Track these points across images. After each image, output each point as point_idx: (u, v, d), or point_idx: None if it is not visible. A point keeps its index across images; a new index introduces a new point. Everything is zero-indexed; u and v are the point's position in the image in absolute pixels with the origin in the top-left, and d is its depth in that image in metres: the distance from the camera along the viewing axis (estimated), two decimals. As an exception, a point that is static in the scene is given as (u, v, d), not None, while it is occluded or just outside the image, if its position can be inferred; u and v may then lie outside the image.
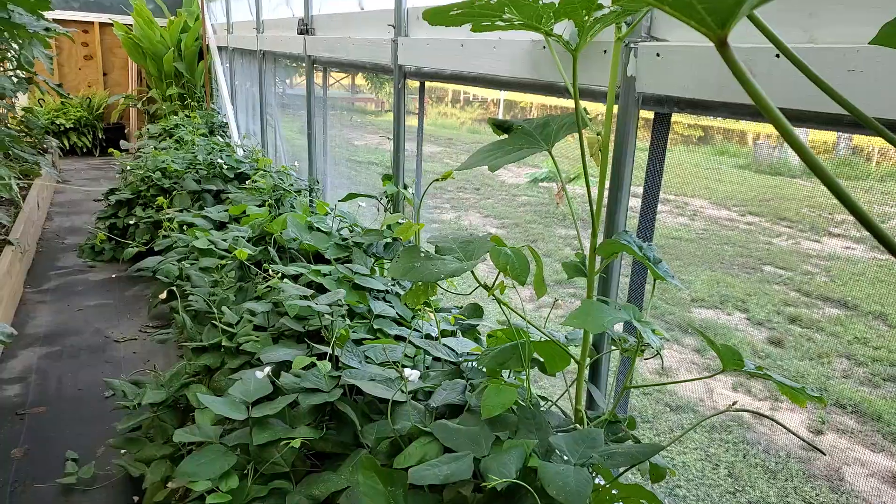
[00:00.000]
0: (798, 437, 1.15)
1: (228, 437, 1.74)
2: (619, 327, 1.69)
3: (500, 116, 1.75)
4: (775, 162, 7.88)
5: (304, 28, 3.91)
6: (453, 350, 1.93)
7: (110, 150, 5.50)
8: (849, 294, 4.53)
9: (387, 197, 2.70)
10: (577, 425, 1.51)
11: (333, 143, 4.43)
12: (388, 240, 2.68)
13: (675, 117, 1.55)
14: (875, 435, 2.95)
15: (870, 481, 2.66)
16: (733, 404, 1.24)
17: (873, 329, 4.00)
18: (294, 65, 5.24)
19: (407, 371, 1.58)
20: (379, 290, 2.44)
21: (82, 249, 4.55)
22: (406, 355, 1.97)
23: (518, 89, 2.03)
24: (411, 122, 2.89)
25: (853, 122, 1.10)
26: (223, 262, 2.76)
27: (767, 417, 1.18)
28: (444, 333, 2.13)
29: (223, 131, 6.31)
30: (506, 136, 1.44)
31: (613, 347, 1.61)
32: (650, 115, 1.58)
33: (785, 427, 1.16)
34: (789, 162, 7.76)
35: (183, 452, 2.00)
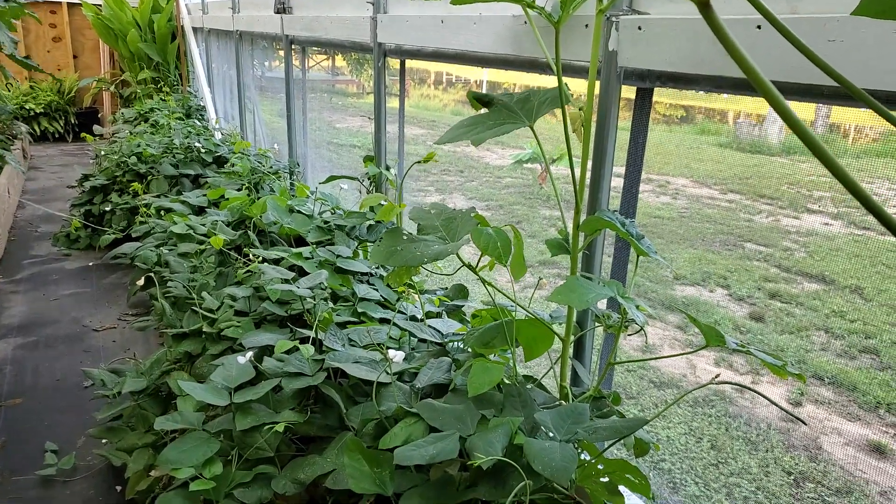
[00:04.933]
0: (780, 407, 1.16)
1: (211, 424, 1.72)
2: (602, 304, 1.69)
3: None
4: (755, 140, 7.94)
5: (282, 6, 3.83)
6: (438, 331, 1.92)
7: (83, 135, 5.38)
8: (826, 269, 4.60)
9: (369, 178, 2.67)
10: (562, 402, 1.51)
11: (314, 125, 4.37)
12: (371, 222, 2.65)
13: (656, 96, 1.54)
14: (851, 405, 3.01)
15: (846, 450, 2.72)
16: (716, 377, 1.24)
17: (850, 302, 4.07)
18: (272, 46, 5.15)
19: (391, 352, 1.57)
20: (363, 273, 2.42)
21: (57, 238, 4.46)
22: (391, 337, 1.96)
23: (499, 66, 2.01)
24: (393, 103, 2.85)
25: (832, 92, 1.10)
26: (202, 247, 2.72)
27: (750, 389, 1.19)
28: (429, 315, 2.12)
29: (200, 115, 6.21)
30: (486, 110, 1.41)
31: (597, 324, 1.61)
32: (632, 94, 1.57)
33: (767, 398, 1.17)
34: (769, 140, 7.82)
35: (166, 440, 1.98)
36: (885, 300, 4.07)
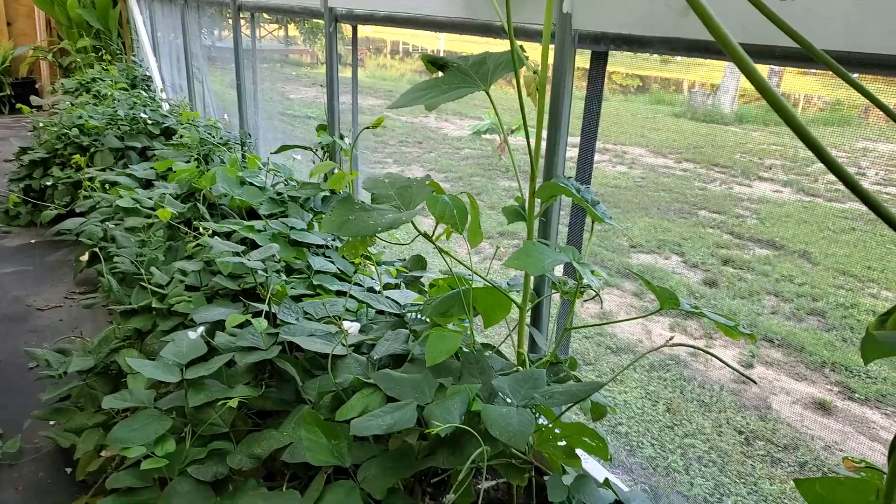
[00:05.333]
0: (731, 367, 1.18)
1: (163, 401, 1.67)
2: (559, 272, 1.69)
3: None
4: (709, 109, 8.07)
5: (227, -29, 3.68)
6: (396, 302, 1.90)
7: (20, 106, 5.11)
8: (777, 235, 4.73)
9: (322, 148, 2.60)
10: (520, 368, 1.51)
11: (266, 96, 4.25)
12: (326, 193, 2.60)
13: (613, 66, 1.52)
14: (798, 365, 3.13)
15: (794, 408, 2.82)
16: (670, 339, 1.25)
17: (798, 267, 4.20)
18: (220, 13, 4.95)
19: (346, 324, 1.55)
20: (318, 246, 2.37)
21: (-5, 214, 4.26)
22: (348, 309, 1.93)
23: (454, 30, 1.96)
24: (347, 72, 2.77)
25: (785, 53, 1.10)
26: (150, 221, 2.63)
27: (703, 350, 1.20)
28: (387, 286, 2.10)
29: (146, 85, 5.97)
30: (441, 74, 1.38)
31: (554, 291, 1.61)
32: (587, 63, 1.54)
33: (719, 359, 1.19)
34: (722, 109, 7.96)
35: (116, 420, 1.92)
36: (831, 264, 4.22)
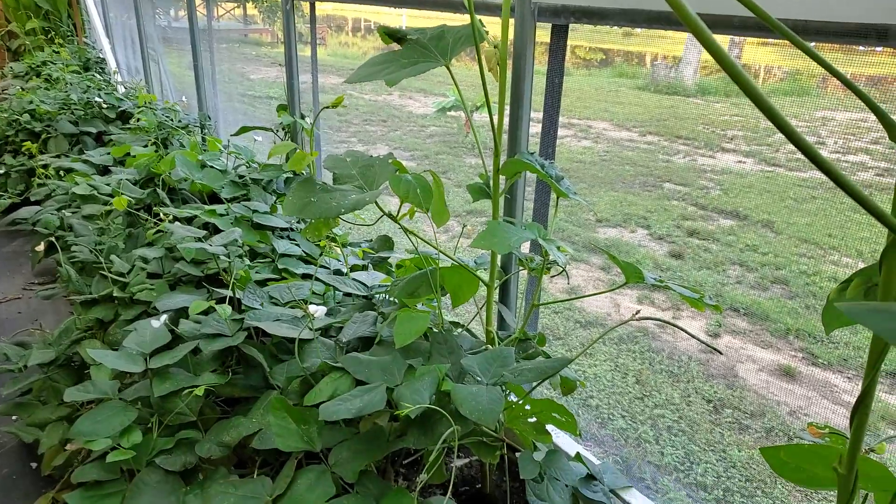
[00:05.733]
0: (697, 338, 1.19)
1: (127, 392, 1.63)
2: (526, 249, 1.69)
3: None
4: (671, 82, 8.13)
5: (179, -53, 3.56)
6: (363, 284, 1.88)
7: (-32, 92, 4.91)
8: (740, 205, 4.81)
9: (283, 129, 2.55)
10: (489, 346, 1.51)
11: (226, 77, 4.14)
12: (289, 174, 2.55)
13: (576, 40, 1.51)
14: (763, 333, 3.20)
15: (760, 375, 2.89)
16: (637, 313, 1.26)
17: (761, 237, 4.28)
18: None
19: (312, 307, 1.52)
20: (282, 229, 2.34)
21: (-54, 205, 4.10)
22: (314, 293, 1.90)
23: (415, 6, 1.93)
24: (306, 52, 2.71)
25: (742, 23, 1.10)
26: (108, 208, 2.55)
27: (669, 323, 1.22)
28: (354, 268, 2.07)
29: (100, 68, 5.77)
30: (398, 46, 1.35)
31: (521, 268, 1.61)
32: (547, 38, 1.53)
33: (685, 331, 1.20)
34: (684, 82, 8.02)
35: (81, 413, 1.88)
36: (793, 232, 4.31)
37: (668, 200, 5.00)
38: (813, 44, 1.03)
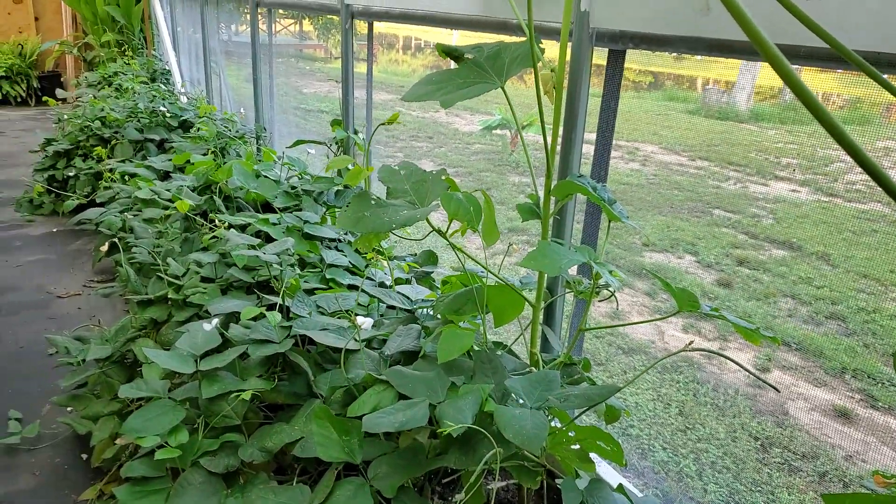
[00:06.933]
0: (753, 374, 1.17)
1: (177, 392, 1.68)
2: (572, 270, 1.68)
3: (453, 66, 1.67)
4: (724, 107, 7.97)
5: (246, -35, 3.69)
6: (408, 297, 1.90)
7: (46, 98, 5.18)
8: (794, 235, 4.67)
9: (336, 143, 2.61)
10: (533, 368, 1.51)
11: (281, 91, 4.26)
12: (339, 187, 2.60)
13: (625, 62, 1.50)
14: (817, 370, 3.08)
15: (812, 415, 2.78)
16: (689, 343, 1.24)
17: (816, 269, 4.14)
18: (238, 9, 4.98)
19: (360, 319, 1.55)
20: (331, 239, 2.38)
21: (20, 203, 4.32)
22: (359, 304, 1.93)
23: (470, 28, 1.95)
24: (361, 68, 2.78)
25: (810, 53, 1.08)
26: (168, 212, 2.65)
27: (722, 356, 1.19)
28: (398, 281, 2.10)
29: (165, 79, 6.01)
30: (455, 65, 1.37)
31: (568, 290, 1.60)
32: (603, 60, 1.53)
33: (740, 365, 1.17)
34: (737, 107, 7.86)
35: (131, 408, 1.94)
36: (852, 266, 4.15)
37: (718, 227, 4.89)
38: (886, 76, 1.01)
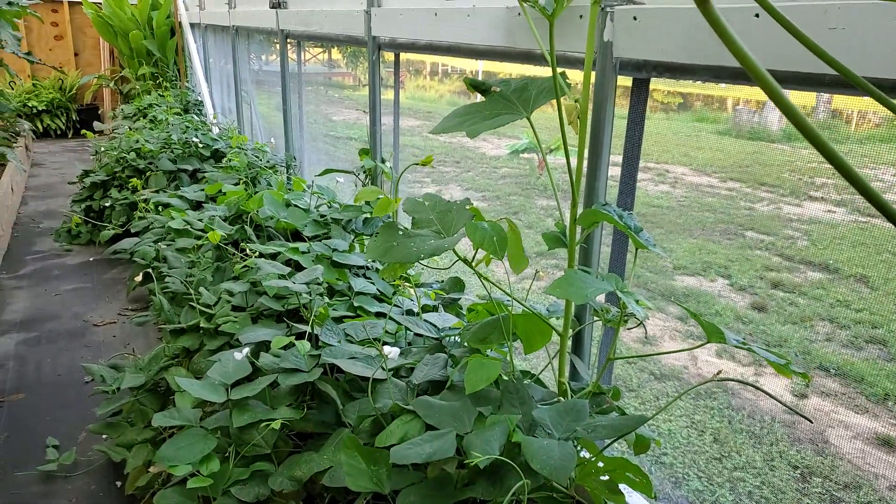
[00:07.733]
0: (783, 404, 1.14)
1: (208, 420, 1.71)
2: (601, 297, 1.67)
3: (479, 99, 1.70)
4: (755, 127, 7.88)
5: (277, 2, 3.80)
6: (434, 325, 1.91)
7: (84, 131, 5.37)
8: (830, 257, 4.56)
9: (364, 172, 2.65)
10: (561, 398, 1.49)
11: (310, 118, 4.35)
12: (367, 215, 2.63)
13: (653, 84, 1.51)
14: (858, 397, 2.99)
15: (854, 443, 2.69)
16: (719, 373, 1.22)
17: (855, 292, 4.03)
18: (268, 40, 5.12)
19: (387, 348, 1.56)
20: (359, 267, 2.41)
21: (58, 233, 4.46)
22: (387, 332, 1.94)
23: (494, 58, 1.98)
24: (388, 95, 2.83)
25: (834, 81, 1.07)
26: (200, 242, 2.71)
27: (753, 385, 1.17)
28: (425, 309, 2.10)
29: (198, 110, 6.18)
30: (481, 98, 1.39)
31: (596, 318, 1.59)
32: (628, 82, 1.54)
33: (770, 395, 1.15)
34: (768, 127, 7.76)
35: (164, 436, 1.98)
36: (892, 289, 4.04)
37: (751, 250, 4.80)
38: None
